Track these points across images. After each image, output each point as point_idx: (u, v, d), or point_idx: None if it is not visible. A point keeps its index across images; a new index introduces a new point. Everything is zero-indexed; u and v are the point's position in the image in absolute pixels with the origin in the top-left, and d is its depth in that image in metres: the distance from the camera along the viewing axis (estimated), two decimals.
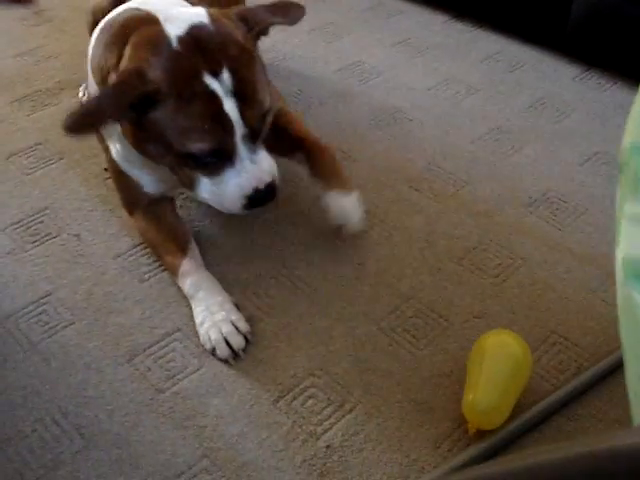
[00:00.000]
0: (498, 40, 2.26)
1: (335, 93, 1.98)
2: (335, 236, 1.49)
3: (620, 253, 0.78)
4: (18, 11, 2.36)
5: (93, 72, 1.37)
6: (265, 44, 2.20)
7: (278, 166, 1.34)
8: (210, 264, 1.44)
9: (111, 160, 1.46)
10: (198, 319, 1.33)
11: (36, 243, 1.50)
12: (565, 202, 1.63)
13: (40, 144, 1.76)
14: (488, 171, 1.72)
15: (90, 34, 1.46)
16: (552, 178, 1.70)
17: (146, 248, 1.48)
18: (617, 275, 0.77)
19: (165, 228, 1.45)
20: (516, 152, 1.78)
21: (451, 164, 1.73)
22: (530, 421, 1.18)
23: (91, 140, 1.69)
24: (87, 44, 1.43)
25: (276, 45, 2.16)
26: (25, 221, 1.56)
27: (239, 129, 1.24)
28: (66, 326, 1.34)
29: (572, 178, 1.70)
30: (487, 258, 1.48)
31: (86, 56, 1.43)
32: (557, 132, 1.86)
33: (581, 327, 1.34)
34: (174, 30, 1.23)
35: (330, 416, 1.20)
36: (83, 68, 1.45)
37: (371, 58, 2.15)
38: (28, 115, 1.87)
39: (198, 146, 1.21)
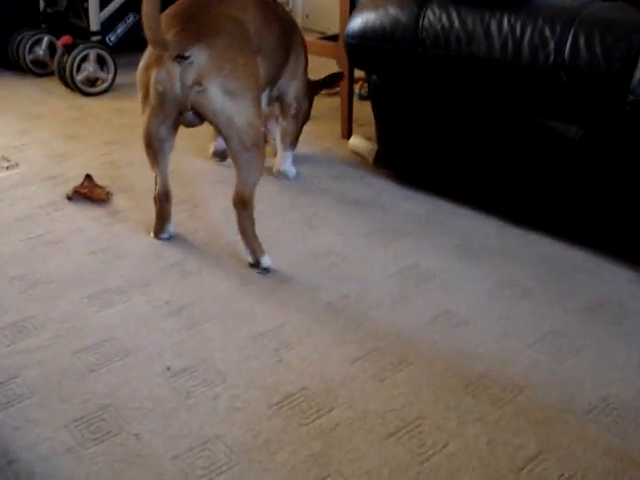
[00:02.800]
0: (552, 243, 2.32)
1: (392, 296, 2.03)
2: None
3: None
4: (93, 210, 2.53)
5: None
6: (323, 246, 2.30)
7: None
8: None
9: None
10: None
11: (96, 441, 1.52)
12: (626, 409, 1.60)
13: (107, 341, 1.83)
14: (546, 376, 1.71)
15: None
16: (612, 383, 1.68)
17: (204, 450, 1.49)
18: None
19: None
20: (574, 356, 1.78)
21: (509, 368, 1.73)
22: None
23: (159, 337, 1.76)
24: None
25: (334, 248, 2.25)
26: (87, 418, 1.59)
27: None
28: None
29: (632, 383, 1.68)
30: (548, 468, 1.44)
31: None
32: (615, 335, 1.86)
33: None
34: None
35: None
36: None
37: (427, 261, 2.22)
38: (97, 312, 1.95)
39: None
